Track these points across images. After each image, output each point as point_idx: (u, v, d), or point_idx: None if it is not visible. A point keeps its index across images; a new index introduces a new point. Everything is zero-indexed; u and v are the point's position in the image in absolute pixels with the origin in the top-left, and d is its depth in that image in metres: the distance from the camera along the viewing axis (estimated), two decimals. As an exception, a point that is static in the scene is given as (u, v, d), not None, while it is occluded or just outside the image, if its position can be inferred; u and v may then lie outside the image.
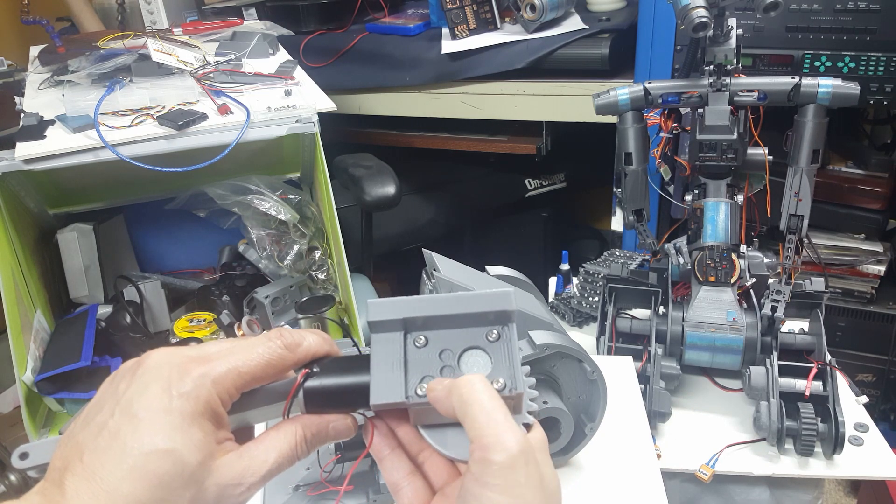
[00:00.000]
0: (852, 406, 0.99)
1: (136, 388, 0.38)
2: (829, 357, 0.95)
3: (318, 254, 1.45)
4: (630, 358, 0.90)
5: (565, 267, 1.32)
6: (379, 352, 0.41)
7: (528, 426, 0.40)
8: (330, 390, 0.42)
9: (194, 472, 0.36)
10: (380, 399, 0.40)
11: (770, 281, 1.02)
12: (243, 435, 0.41)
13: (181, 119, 1.11)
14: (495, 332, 0.41)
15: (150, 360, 0.39)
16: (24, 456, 0.41)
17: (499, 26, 1.63)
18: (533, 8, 1.51)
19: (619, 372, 0.86)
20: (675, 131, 1.06)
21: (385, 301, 0.42)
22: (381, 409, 0.40)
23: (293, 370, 0.42)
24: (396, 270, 2.06)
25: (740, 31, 0.95)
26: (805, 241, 1.04)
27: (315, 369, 0.42)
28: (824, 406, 0.90)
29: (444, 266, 0.73)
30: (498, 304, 0.41)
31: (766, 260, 1.06)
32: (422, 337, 0.42)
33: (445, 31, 1.63)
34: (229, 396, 0.39)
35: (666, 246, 1.07)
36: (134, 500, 0.35)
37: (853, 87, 0.92)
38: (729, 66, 0.96)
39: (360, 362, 0.42)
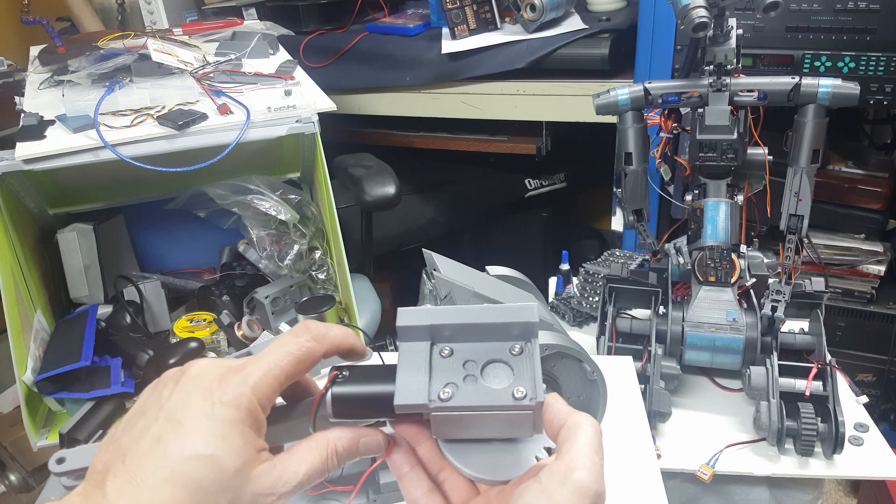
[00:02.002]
0: (852, 406, 0.99)
1: (180, 396, 0.39)
2: (829, 357, 0.95)
3: (318, 254, 1.45)
4: (630, 358, 0.90)
5: (565, 267, 1.32)
6: (405, 358, 0.42)
7: (548, 450, 0.42)
8: (357, 395, 0.42)
9: (232, 478, 0.37)
10: (404, 400, 0.40)
11: (770, 281, 1.02)
12: (274, 451, 0.42)
13: (181, 119, 1.11)
14: (518, 346, 0.42)
15: (192, 370, 0.40)
16: (60, 461, 0.43)
17: (499, 26, 1.63)
18: (533, 8, 1.51)
19: (619, 372, 0.86)
20: (675, 131, 1.06)
21: (414, 308, 0.43)
22: (405, 410, 0.40)
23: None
24: (396, 270, 2.06)
25: (740, 31, 0.95)
26: (805, 241, 1.04)
27: (344, 374, 0.43)
28: (824, 406, 0.90)
29: (444, 266, 0.73)
30: (522, 317, 0.42)
31: (766, 260, 1.06)
32: (447, 348, 0.42)
33: (445, 31, 1.63)
34: (268, 400, 0.40)
35: (666, 246, 1.07)
36: None
37: (853, 87, 0.92)
38: (729, 66, 0.96)
39: (387, 371, 0.42)
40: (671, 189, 1.12)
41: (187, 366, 0.41)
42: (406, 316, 0.43)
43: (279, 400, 0.43)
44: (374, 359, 0.47)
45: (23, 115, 1.17)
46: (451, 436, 0.41)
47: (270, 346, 0.42)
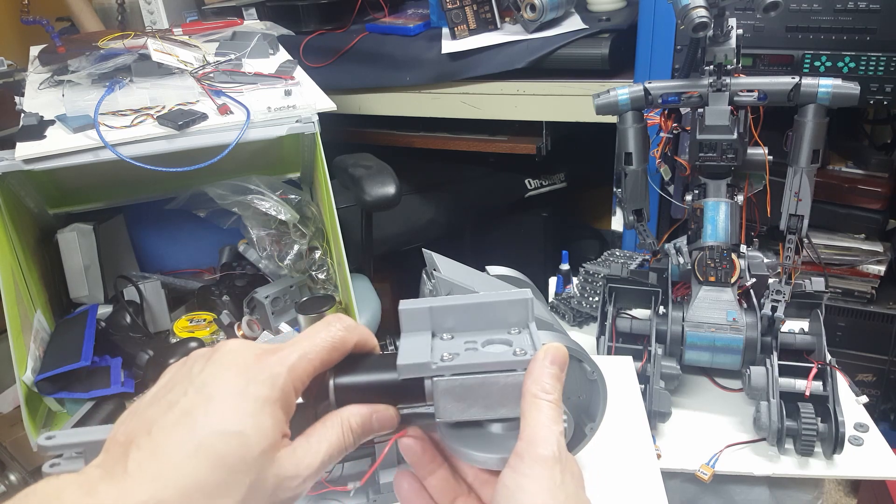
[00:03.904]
0: (852, 406, 0.99)
1: (212, 371, 0.39)
2: (829, 357, 0.95)
3: (318, 254, 1.45)
4: (630, 358, 0.89)
5: (565, 267, 1.32)
6: (408, 340, 0.43)
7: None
8: (360, 384, 0.43)
9: (257, 458, 0.37)
10: (407, 360, 0.41)
11: (770, 281, 1.02)
12: None
13: (181, 119, 1.11)
14: (516, 329, 0.44)
15: (226, 346, 0.40)
16: (50, 437, 0.42)
17: (499, 26, 1.63)
18: (533, 8, 1.51)
19: (619, 372, 0.86)
20: (675, 131, 1.06)
21: (414, 300, 0.45)
22: (408, 373, 0.41)
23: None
24: (396, 270, 2.06)
25: (740, 31, 0.95)
26: (805, 241, 1.04)
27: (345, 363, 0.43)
28: (824, 406, 0.90)
29: (444, 266, 0.73)
30: (518, 296, 0.44)
31: (766, 260, 1.06)
32: (448, 335, 0.44)
33: (445, 31, 1.63)
34: (301, 384, 0.40)
35: (666, 246, 1.07)
36: (195, 480, 0.35)
37: (853, 87, 0.92)
38: (729, 66, 0.95)
39: (388, 359, 0.43)
40: (671, 189, 1.12)
41: (220, 344, 0.41)
42: (408, 303, 0.44)
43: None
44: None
45: (23, 115, 1.17)
46: (452, 413, 0.41)
47: (305, 333, 0.42)
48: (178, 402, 0.37)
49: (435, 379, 0.41)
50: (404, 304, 0.44)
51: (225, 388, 0.38)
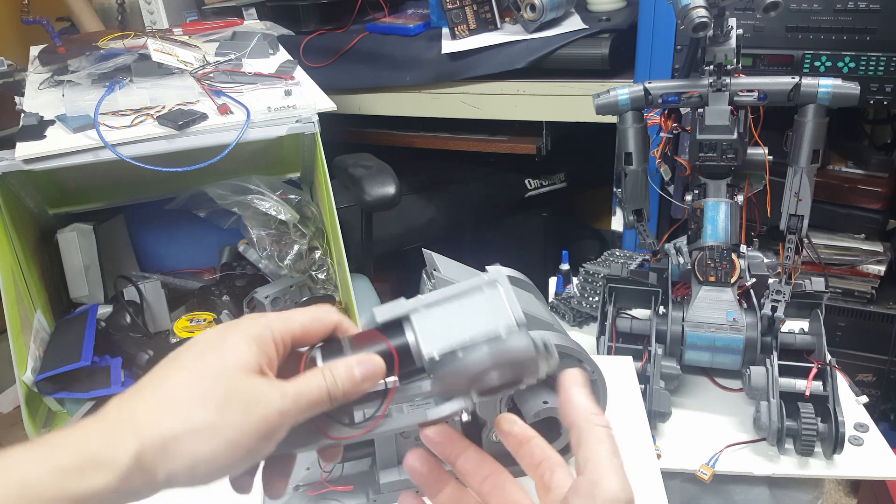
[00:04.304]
0: (852, 406, 0.99)
1: (193, 338, 0.43)
2: (829, 357, 0.95)
3: (318, 254, 1.45)
4: (630, 358, 0.89)
5: (565, 267, 1.32)
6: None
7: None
8: (344, 347, 0.44)
9: (234, 372, 0.40)
10: (384, 316, 0.43)
11: (770, 281, 1.02)
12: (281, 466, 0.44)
13: (181, 119, 1.11)
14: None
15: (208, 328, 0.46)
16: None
17: (499, 26, 1.63)
18: (533, 8, 1.51)
19: (619, 372, 0.86)
20: (675, 131, 1.05)
21: (386, 304, 0.45)
22: (385, 314, 0.43)
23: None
24: (396, 270, 2.06)
25: (740, 31, 0.95)
26: (805, 241, 1.04)
27: (330, 345, 0.44)
28: (824, 406, 0.90)
29: (444, 266, 0.73)
30: (490, 277, 0.45)
31: (766, 260, 1.06)
32: None
33: (445, 31, 1.63)
34: (280, 337, 0.42)
35: (666, 246, 1.07)
36: (174, 392, 0.39)
37: (853, 87, 0.92)
38: (729, 66, 0.95)
39: (373, 335, 0.44)
40: (671, 189, 1.12)
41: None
42: (382, 312, 0.44)
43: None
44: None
45: (23, 115, 1.17)
46: (436, 343, 0.42)
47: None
48: (160, 364, 0.41)
49: (412, 316, 0.42)
50: (380, 315, 0.44)
51: (203, 337, 0.42)
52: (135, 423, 0.37)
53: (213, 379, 0.39)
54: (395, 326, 0.43)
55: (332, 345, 0.44)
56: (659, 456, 0.91)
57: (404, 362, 0.43)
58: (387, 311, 0.43)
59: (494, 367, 0.41)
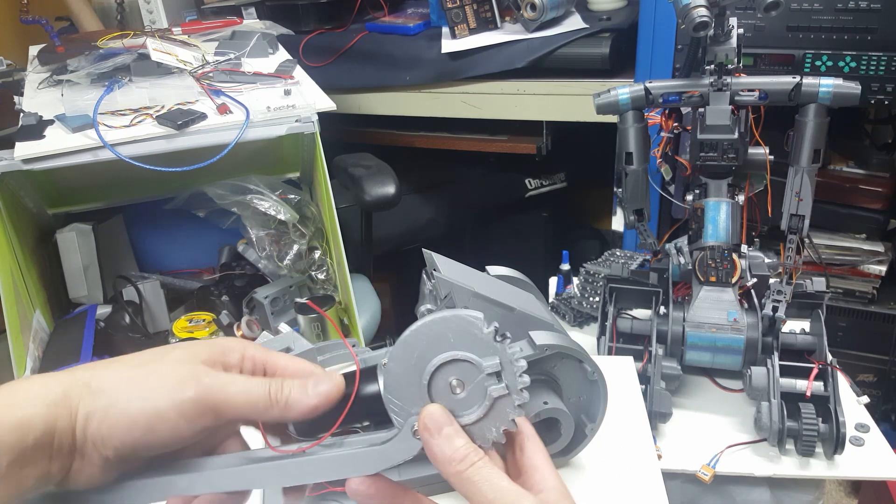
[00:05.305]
0: (853, 406, 0.99)
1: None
2: (830, 357, 0.94)
3: (317, 254, 1.45)
4: (631, 358, 0.89)
5: (566, 267, 1.31)
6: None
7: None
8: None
9: (189, 363, 0.40)
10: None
11: (771, 281, 1.01)
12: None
13: (180, 119, 1.10)
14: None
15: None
16: None
17: (499, 25, 1.63)
18: (533, 7, 1.51)
19: (619, 372, 0.86)
20: (675, 131, 1.05)
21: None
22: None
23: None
24: (396, 270, 2.05)
25: (741, 31, 0.95)
26: (806, 241, 1.03)
27: None
28: (825, 406, 0.90)
29: (444, 266, 0.73)
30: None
31: (767, 260, 1.05)
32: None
33: (445, 30, 1.63)
34: (251, 359, 0.43)
35: (667, 246, 1.06)
36: (129, 376, 0.40)
37: (854, 87, 0.92)
38: (730, 66, 0.95)
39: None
40: (672, 189, 1.12)
41: None
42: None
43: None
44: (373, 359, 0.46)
45: (22, 114, 1.16)
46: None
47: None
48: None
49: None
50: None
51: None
52: (72, 372, 0.39)
53: (157, 355, 0.41)
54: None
55: None
56: (660, 456, 0.90)
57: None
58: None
59: None
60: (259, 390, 0.40)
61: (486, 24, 1.62)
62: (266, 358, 0.43)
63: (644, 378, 0.96)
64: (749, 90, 0.95)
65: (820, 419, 0.89)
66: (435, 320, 0.40)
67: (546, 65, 1.51)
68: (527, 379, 0.41)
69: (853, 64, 1.26)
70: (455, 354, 0.40)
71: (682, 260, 1.02)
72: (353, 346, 0.48)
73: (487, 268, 0.85)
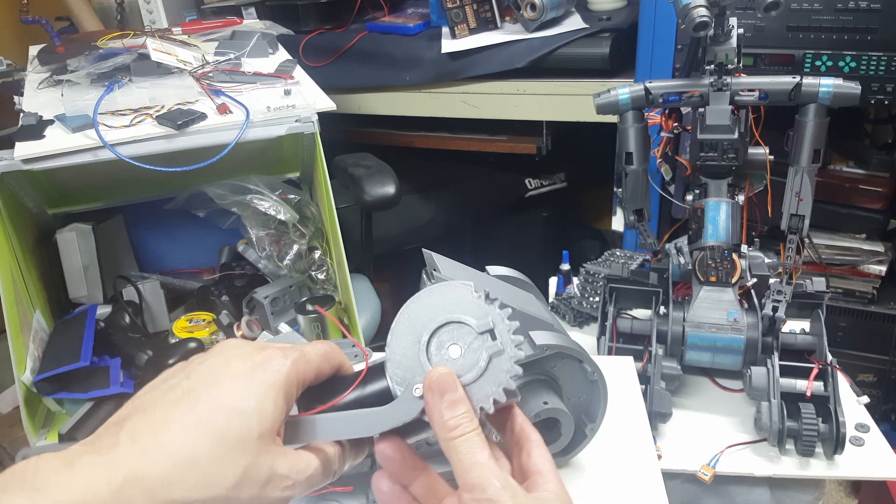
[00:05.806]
0: (853, 406, 0.99)
1: (216, 360, 0.39)
2: (830, 357, 0.94)
3: (317, 254, 1.45)
4: (631, 358, 0.89)
5: (566, 267, 1.31)
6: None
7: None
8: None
9: (256, 442, 0.36)
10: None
11: (771, 281, 1.02)
12: None
13: (180, 119, 1.10)
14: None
15: (228, 342, 0.41)
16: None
17: (499, 25, 1.63)
18: (533, 7, 1.51)
19: (619, 372, 0.86)
20: (675, 131, 1.05)
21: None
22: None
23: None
24: (396, 270, 2.05)
25: (741, 31, 0.95)
26: (806, 241, 1.03)
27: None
28: (825, 406, 0.90)
29: (444, 266, 0.73)
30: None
31: (767, 260, 1.05)
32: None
33: (445, 30, 1.63)
34: (301, 381, 0.41)
35: (667, 246, 1.06)
36: (190, 453, 0.35)
37: (854, 87, 0.92)
38: (730, 66, 0.95)
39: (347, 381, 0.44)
40: (672, 189, 1.12)
41: (220, 343, 0.41)
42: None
43: None
44: (373, 359, 0.47)
45: (22, 114, 1.16)
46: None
47: (301, 343, 0.45)
48: (179, 385, 0.37)
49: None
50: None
51: (230, 371, 0.38)
52: (145, 486, 0.33)
53: (234, 445, 0.36)
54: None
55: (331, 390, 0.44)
56: (660, 456, 0.90)
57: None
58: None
59: None
60: (327, 461, 0.42)
61: (486, 24, 1.62)
62: (308, 371, 0.42)
63: (644, 378, 0.96)
64: (749, 90, 0.95)
65: (820, 419, 0.89)
66: (430, 290, 0.43)
67: (546, 65, 1.51)
68: (520, 337, 0.43)
69: (853, 64, 1.26)
70: (449, 317, 0.42)
71: (682, 260, 1.02)
72: (353, 347, 0.48)
73: (487, 268, 0.85)
